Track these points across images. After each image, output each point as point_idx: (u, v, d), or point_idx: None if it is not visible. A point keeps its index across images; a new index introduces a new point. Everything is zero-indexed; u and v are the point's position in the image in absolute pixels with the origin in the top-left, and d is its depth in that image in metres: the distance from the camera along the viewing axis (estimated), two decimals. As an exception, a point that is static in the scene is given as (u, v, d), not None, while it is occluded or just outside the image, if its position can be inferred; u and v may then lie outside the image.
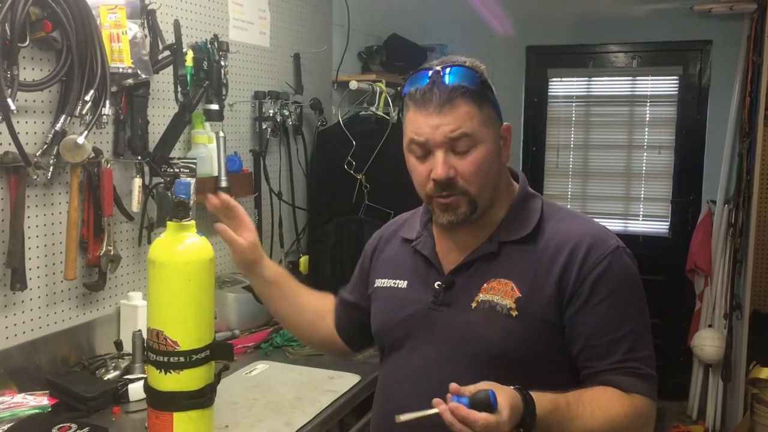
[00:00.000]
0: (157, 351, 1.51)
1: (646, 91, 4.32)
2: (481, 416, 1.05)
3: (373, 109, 3.42)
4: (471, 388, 1.09)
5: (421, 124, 1.27)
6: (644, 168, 4.33)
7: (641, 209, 4.37)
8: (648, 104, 4.30)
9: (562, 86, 4.48)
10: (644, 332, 1.29)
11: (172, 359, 1.50)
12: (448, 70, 1.28)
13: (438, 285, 1.37)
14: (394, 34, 4.08)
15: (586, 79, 4.45)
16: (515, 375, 1.23)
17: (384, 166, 3.22)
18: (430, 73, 1.28)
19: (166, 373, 1.52)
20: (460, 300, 1.34)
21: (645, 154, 4.32)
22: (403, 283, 1.44)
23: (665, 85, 4.28)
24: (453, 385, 1.10)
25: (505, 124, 1.35)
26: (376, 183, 3.25)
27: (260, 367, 2.28)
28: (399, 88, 1.24)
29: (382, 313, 1.48)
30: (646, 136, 4.32)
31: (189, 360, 1.51)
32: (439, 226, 1.42)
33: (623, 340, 1.26)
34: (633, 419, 1.23)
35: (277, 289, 1.61)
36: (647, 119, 4.31)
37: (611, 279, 1.27)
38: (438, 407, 1.09)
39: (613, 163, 4.40)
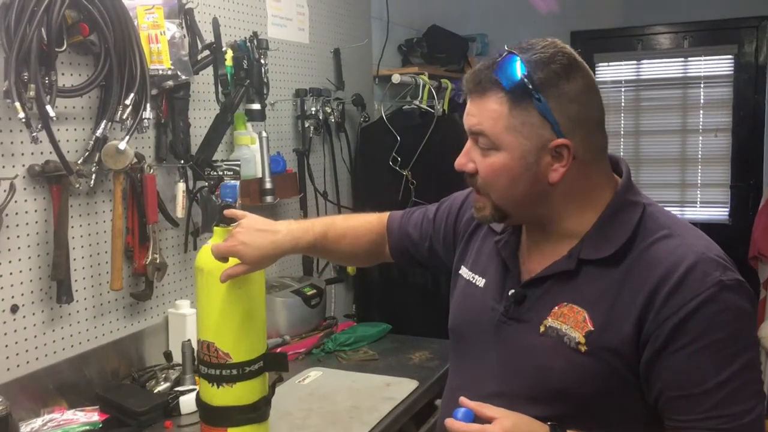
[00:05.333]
0: (208, 364, 1.45)
1: (700, 72, 4.12)
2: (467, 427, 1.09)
3: (417, 102, 3.31)
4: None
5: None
6: (700, 152, 4.13)
7: (698, 196, 4.18)
8: (702, 86, 4.11)
9: (609, 71, 4.31)
10: (744, 383, 1.06)
11: (224, 372, 1.44)
12: (505, 56, 1.13)
13: (510, 294, 1.24)
14: (434, 25, 3.98)
15: (635, 62, 4.27)
16: (576, 412, 1.13)
17: (430, 161, 3.12)
18: (500, 54, 1.15)
19: (218, 387, 1.45)
20: (528, 318, 1.20)
21: (700, 138, 4.12)
22: (481, 281, 1.32)
23: (719, 65, 4.08)
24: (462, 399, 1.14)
25: (559, 140, 1.12)
26: (422, 178, 3.15)
27: (313, 374, 2.20)
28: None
29: (457, 308, 1.39)
30: (701, 119, 4.12)
31: (242, 372, 1.45)
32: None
33: (711, 393, 1.05)
34: None
35: (320, 251, 1.55)
36: (702, 102, 4.12)
37: (700, 322, 1.05)
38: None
39: (667, 148, 4.20)
